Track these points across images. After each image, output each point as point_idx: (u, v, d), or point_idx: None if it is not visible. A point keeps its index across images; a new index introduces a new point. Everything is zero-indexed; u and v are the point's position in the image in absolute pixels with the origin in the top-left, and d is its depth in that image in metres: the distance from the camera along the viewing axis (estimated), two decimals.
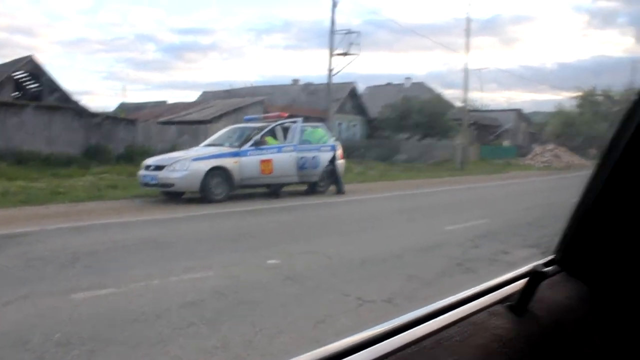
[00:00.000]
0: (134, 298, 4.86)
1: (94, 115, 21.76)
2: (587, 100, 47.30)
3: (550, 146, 40.53)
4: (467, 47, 32.98)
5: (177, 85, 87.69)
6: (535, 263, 0.91)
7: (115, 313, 4.43)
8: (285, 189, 13.95)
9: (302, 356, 0.63)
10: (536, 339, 0.76)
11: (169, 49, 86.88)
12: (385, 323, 0.68)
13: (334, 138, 15.05)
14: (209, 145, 13.86)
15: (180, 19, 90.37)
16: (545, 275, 0.79)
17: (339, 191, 14.18)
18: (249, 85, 39.38)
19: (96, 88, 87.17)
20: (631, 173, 0.90)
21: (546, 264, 0.95)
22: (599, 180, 0.93)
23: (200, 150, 13.51)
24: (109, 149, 20.29)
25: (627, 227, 0.94)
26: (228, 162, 12.58)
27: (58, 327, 4.02)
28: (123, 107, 34.95)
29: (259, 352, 3.75)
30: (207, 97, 36.29)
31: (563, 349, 0.81)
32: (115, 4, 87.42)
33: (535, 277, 0.77)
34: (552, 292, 0.86)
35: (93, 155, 19.29)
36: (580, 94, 48.54)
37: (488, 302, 0.77)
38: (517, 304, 0.77)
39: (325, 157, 14.13)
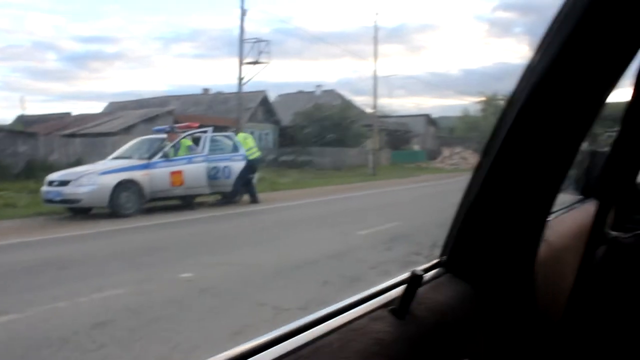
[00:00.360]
0: (39, 323, 4.61)
1: None
2: (490, 104, 49.82)
3: (458, 149, 42.32)
4: (376, 55, 33.96)
5: (82, 96, 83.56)
6: (423, 266, 0.95)
7: (17, 341, 4.19)
8: (199, 199, 13.71)
9: None
10: (417, 339, 0.77)
11: (71, 58, 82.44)
12: (264, 335, 0.67)
13: (256, 148, 14.82)
14: (117, 158, 13.41)
15: (83, 26, 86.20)
16: (424, 278, 0.81)
17: (254, 200, 14.10)
18: (158, 95, 38.39)
19: None
20: (505, 174, 0.95)
21: (432, 267, 0.99)
22: (477, 183, 0.97)
23: (108, 163, 13.05)
24: (6, 164, 19.10)
25: (504, 227, 0.99)
26: (137, 175, 12.22)
27: None
28: (22, 119, 33.06)
29: None
30: (114, 108, 35.04)
31: (443, 348, 0.83)
32: (7, 8, 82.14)
33: (414, 280, 0.78)
34: (435, 294, 0.88)
35: None
36: (483, 98, 51.11)
37: (371, 308, 0.78)
38: (399, 308, 0.77)
39: (237, 166, 14.00)
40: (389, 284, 0.86)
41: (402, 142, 43.42)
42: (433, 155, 42.21)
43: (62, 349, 3.93)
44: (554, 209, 1.69)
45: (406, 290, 0.78)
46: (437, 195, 17.19)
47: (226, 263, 6.80)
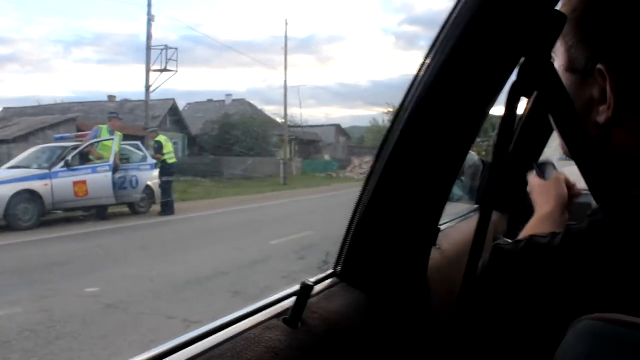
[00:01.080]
0: None
1: None
2: None
3: (367, 159, 43.21)
4: (286, 65, 34.22)
5: None
6: (317, 277, 0.98)
7: None
8: (109, 210, 13.16)
9: None
10: (310, 347, 0.79)
11: None
12: (156, 348, 0.67)
13: (172, 156, 14.32)
14: (14, 167, 12.65)
15: None
16: (317, 288, 0.84)
17: (170, 211, 13.69)
18: (58, 101, 36.55)
19: None
20: (394, 183, 0.98)
21: (327, 277, 1.01)
22: (369, 192, 0.99)
23: (2, 173, 12.26)
24: None
25: (395, 236, 1.02)
26: (37, 185, 11.58)
27: None
28: None
29: None
30: (10, 114, 32.95)
31: (337, 354, 0.86)
32: None
33: (305, 290, 0.80)
34: (328, 303, 0.90)
35: None
36: (391, 109, 52.63)
37: (264, 318, 0.79)
38: (291, 317, 0.80)
39: (145, 176, 13.61)
40: (283, 294, 0.88)
41: (314, 152, 43.90)
42: (344, 164, 42.92)
43: None
44: (450, 218, 1.79)
45: (297, 300, 0.80)
46: (347, 204, 17.30)
47: (135, 276, 6.59)
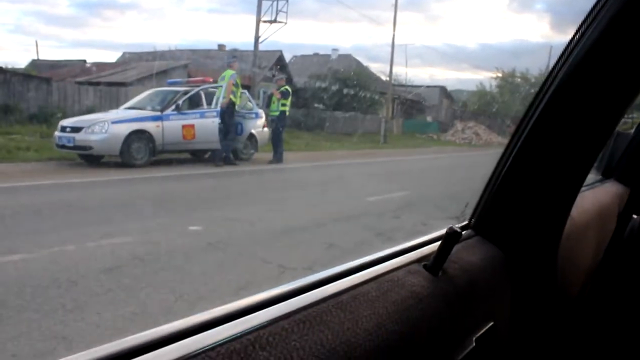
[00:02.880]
0: (48, 264, 4.68)
1: (0, 71, 20.37)
2: (506, 81, 49.07)
3: (471, 124, 41.86)
4: (395, 22, 33.50)
5: (95, 44, 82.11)
6: (455, 225, 0.95)
7: (26, 280, 4.24)
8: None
9: (220, 308, 0.64)
10: (451, 297, 0.79)
11: (83, 5, 79.99)
12: (305, 278, 0.69)
13: (287, 108, 14.72)
14: (130, 108, 13.38)
15: None
16: (460, 237, 0.82)
17: (279, 159, 14.12)
18: (172, 48, 38.02)
19: (1, 42, 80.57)
20: (541, 146, 0.96)
21: (462, 228, 0.99)
22: (510, 154, 0.99)
23: (120, 112, 13.03)
24: (20, 108, 19.09)
25: (534, 196, 1.01)
26: (150, 126, 12.20)
27: None
28: (35, 64, 32.99)
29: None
30: (128, 59, 34.76)
31: (476, 307, 0.85)
32: None
33: (450, 237, 0.79)
34: (466, 254, 0.90)
35: (1, 115, 18.09)
36: (499, 74, 50.25)
37: (405, 261, 0.80)
38: (433, 264, 0.80)
39: (249, 124, 14.00)
40: (423, 240, 0.88)
41: (416, 112, 43.08)
42: (445, 127, 41.79)
43: (70, 290, 3.99)
44: None
45: (442, 247, 0.80)
46: (446, 168, 17.13)
47: (235, 219, 6.84)
